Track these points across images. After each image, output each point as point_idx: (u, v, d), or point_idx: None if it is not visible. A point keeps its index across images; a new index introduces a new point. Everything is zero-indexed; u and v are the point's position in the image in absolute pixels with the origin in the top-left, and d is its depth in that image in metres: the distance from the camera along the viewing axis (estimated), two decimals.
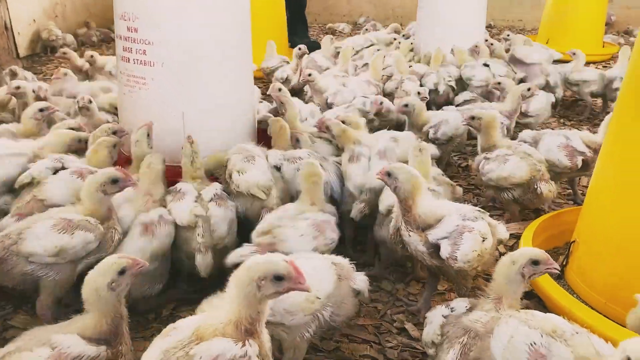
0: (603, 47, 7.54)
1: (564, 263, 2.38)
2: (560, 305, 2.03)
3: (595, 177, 2.30)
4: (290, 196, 2.47)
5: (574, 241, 2.34)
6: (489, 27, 9.97)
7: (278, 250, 1.93)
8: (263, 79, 5.46)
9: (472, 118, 2.95)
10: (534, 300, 2.31)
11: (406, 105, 3.40)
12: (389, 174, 2.05)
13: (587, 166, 2.97)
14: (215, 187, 2.30)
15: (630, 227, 2.04)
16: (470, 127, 3.10)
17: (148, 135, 2.44)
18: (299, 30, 7.44)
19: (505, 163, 2.77)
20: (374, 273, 2.46)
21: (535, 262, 1.70)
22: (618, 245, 2.08)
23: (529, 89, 3.76)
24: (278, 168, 2.51)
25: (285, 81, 4.73)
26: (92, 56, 4.81)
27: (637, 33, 3.70)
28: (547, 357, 1.45)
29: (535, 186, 2.77)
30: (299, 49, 4.83)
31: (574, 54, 5.04)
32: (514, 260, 1.71)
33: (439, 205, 2.10)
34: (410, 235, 2.02)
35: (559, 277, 2.40)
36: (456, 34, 5.23)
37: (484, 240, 1.97)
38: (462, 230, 1.95)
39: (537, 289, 2.21)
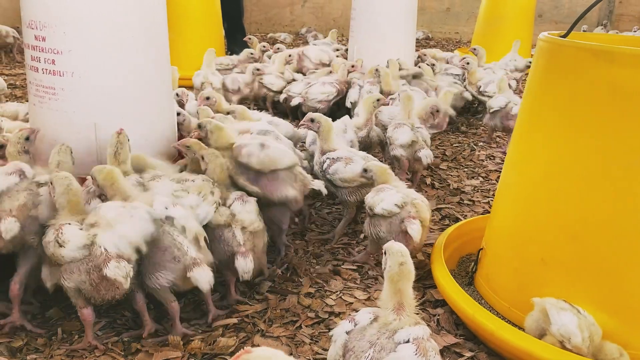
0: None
1: (474, 270, 2.46)
2: (465, 311, 2.10)
3: (499, 185, 2.39)
4: None
5: (482, 248, 2.42)
6: (426, 39, 10.29)
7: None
8: None
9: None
10: (445, 307, 2.37)
11: (312, 120, 2.97)
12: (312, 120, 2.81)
13: None
14: None
15: (527, 232, 2.13)
16: None
17: (27, 138, 2.35)
18: (238, 40, 7.43)
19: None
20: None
21: None
22: (517, 251, 2.17)
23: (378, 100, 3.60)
24: None
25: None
26: None
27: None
28: None
29: None
30: None
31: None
32: (403, 261, 1.74)
33: None
34: None
35: (470, 284, 2.48)
36: (388, 44, 5.36)
37: None
38: None
39: (446, 297, 2.27)
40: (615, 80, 1.84)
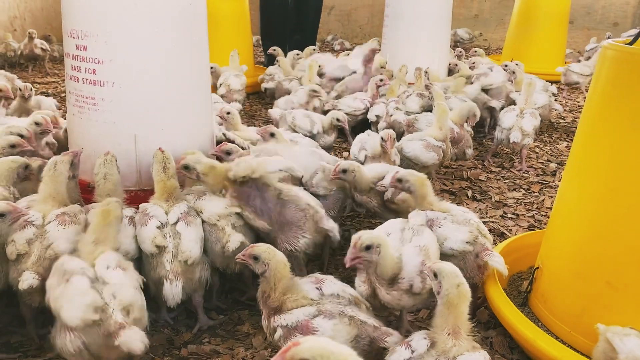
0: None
1: (528, 289, 2.33)
2: (524, 335, 1.97)
3: (557, 201, 2.26)
4: None
5: (537, 267, 2.29)
6: (454, 46, 10.12)
7: None
8: None
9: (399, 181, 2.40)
10: (498, 329, 2.25)
11: (344, 172, 2.58)
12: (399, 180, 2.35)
13: None
14: (182, 206, 2.21)
15: (591, 252, 2.00)
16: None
17: (72, 163, 2.27)
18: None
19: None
20: None
21: None
22: (579, 272, 2.04)
23: None
24: None
25: None
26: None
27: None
28: None
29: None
30: None
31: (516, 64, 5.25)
32: (460, 282, 1.68)
33: None
34: None
35: (523, 304, 2.35)
36: (421, 53, 5.25)
37: None
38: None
39: (501, 319, 2.15)
40: None
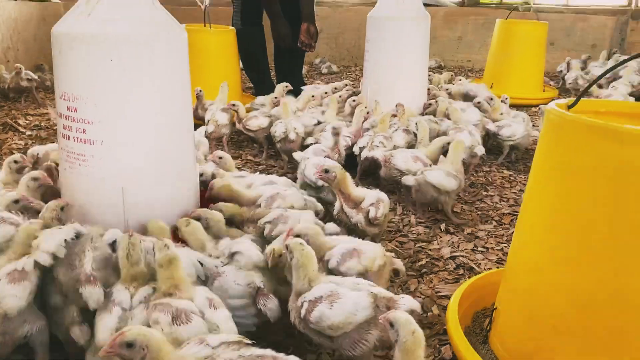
0: (543, 91, 7.94)
1: (488, 328, 2.51)
2: None
3: (512, 243, 2.45)
4: None
5: (496, 308, 2.48)
6: (438, 67, 10.38)
7: None
8: None
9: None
10: None
11: (327, 171, 3.01)
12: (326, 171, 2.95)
13: None
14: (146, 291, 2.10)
15: (538, 298, 2.17)
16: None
17: (62, 209, 2.57)
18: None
19: None
20: None
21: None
22: (529, 315, 2.22)
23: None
24: None
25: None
26: None
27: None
28: None
29: None
30: None
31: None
32: (414, 329, 1.84)
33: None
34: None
35: (484, 342, 2.53)
36: (401, 83, 5.47)
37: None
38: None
39: (459, 356, 2.32)
40: (623, 157, 1.89)
